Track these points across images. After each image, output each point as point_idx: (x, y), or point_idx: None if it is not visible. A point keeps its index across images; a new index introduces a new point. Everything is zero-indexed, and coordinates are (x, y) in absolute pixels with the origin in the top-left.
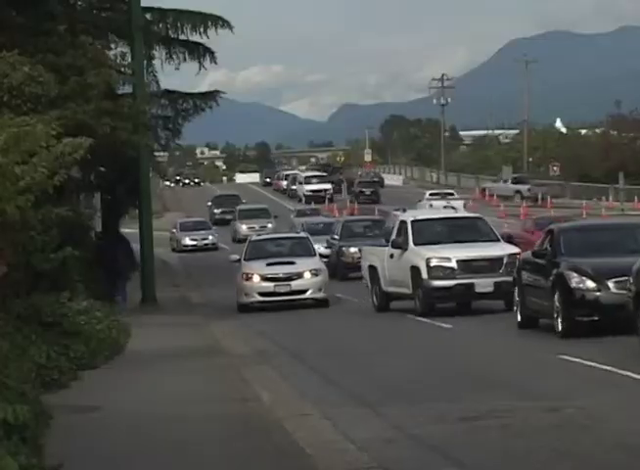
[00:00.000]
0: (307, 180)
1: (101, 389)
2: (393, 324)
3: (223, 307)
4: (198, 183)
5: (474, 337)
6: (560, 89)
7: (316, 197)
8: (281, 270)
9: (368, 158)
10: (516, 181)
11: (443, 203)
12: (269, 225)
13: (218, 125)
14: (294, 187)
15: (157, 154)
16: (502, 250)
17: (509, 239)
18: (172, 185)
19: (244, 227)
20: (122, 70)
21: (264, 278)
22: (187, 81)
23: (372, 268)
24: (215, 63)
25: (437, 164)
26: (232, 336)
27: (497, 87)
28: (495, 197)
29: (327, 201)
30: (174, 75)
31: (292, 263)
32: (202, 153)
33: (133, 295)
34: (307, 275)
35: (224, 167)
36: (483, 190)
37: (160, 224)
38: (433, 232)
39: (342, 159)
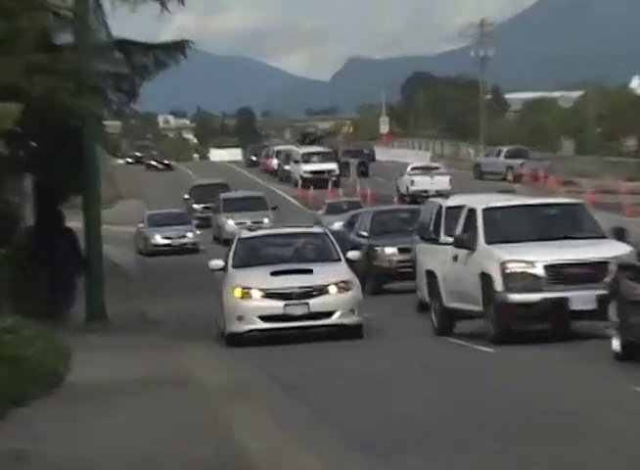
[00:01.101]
0: (306, 158)
1: (29, 432)
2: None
3: (194, 326)
4: (167, 165)
5: (551, 374)
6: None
7: (317, 180)
8: (294, 282)
9: (384, 128)
10: (510, 155)
11: (428, 179)
12: (265, 220)
13: (188, 86)
14: (287, 167)
15: (106, 123)
16: (609, 250)
17: None
18: (127, 163)
19: (230, 223)
20: (61, 12)
21: (269, 294)
22: (146, 28)
23: (430, 275)
24: (183, 3)
25: (476, 136)
26: (206, 362)
27: (552, 36)
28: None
29: (330, 185)
30: (130, 20)
31: (308, 272)
32: (166, 122)
33: (76, 308)
34: (333, 290)
35: (195, 141)
36: (509, 169)
37: (111, 216)
38: (512, 225)
39: (350, 130)
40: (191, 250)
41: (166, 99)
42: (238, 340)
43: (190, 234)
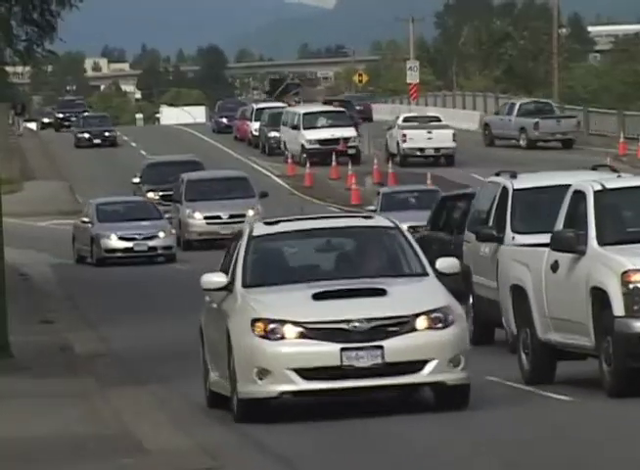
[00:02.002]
0: (309, 121)
1: None
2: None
3: (137, 361)
4: (113, 141)
5: None
6: None
7: (327, 152)
8: (356, 311)
9: (412, 77)
10: (525, 112)
11: (424, 133)
12: (250, 213)
13: (126, 17)
14: (273, 134)
15: (9, 69)
16: None
17: None
18: (41, 126)
19: (197, 217)
20: None
21: (312, 332)
22: None
23: (518, 292)
24: None
25: (548, 88)
26: (153, 416)
27: None
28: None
29: (333, 158)
30: None
31: (379, 293)
32: (96, 67)
33: None
34: (422, 324)
35: (138, 96)
36: (521, 131)
37: (16, 204)
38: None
39: (363, 79)
40: (164, 257)
41: (97, 35)
42: (259, 410)
43: (162, 234)
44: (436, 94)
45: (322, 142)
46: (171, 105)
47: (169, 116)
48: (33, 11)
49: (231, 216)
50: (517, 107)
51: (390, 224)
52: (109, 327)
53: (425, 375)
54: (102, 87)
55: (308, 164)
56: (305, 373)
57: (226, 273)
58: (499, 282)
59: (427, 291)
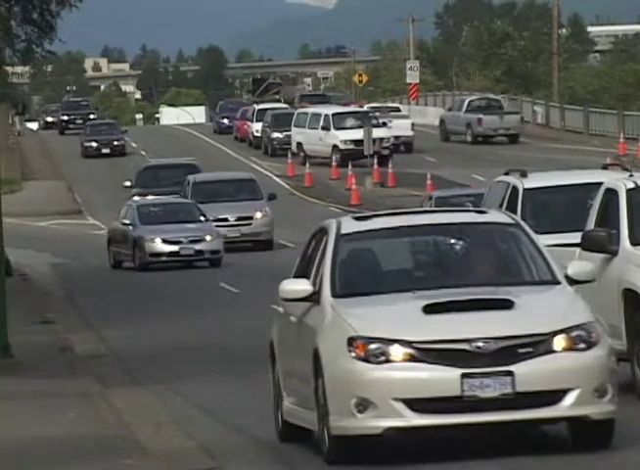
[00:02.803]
0: (338, 121)
1: None
2: None
3: (137, 361)
4: (122, 150)
5: None
6: None
7: (356, 154)
8: (479, 328)
9: (413, 77)
10: (474, 108)
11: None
12: (258, 215)
13: (126, 17)
14: (278, 135)
15: (9, 69)
16: None
17: None
18: (45, 125)
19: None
20: None
21: (425, 354)
22: None
23: (632, 298)
24: None
25: (548, 88)
26: (154, 417)
27: None
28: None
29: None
30: None
31: (505, 306)
32: (95, 67)
33: None
34: (560, 344)
35: (138, 96)
36: (468, 126)
37: (16, 204)
38: None
39: (363, 79)
40: (209, 262)
41: (98, 35)
42: (357, 450)
43: (209, 237)
44: (436, 94)
45: (357, 142)
46: (171, 105)
47: (169, 116)
48: (33, 11)
49: (238, 219)
50: (466, 103)
51: (510, 220)
52: (109, 327)
53: (565, 408)
54: (102, 87)
55: (308, 165)
56: (417, 405)
57: (312, 280)
58: (598, 286)
59: (562, 303)
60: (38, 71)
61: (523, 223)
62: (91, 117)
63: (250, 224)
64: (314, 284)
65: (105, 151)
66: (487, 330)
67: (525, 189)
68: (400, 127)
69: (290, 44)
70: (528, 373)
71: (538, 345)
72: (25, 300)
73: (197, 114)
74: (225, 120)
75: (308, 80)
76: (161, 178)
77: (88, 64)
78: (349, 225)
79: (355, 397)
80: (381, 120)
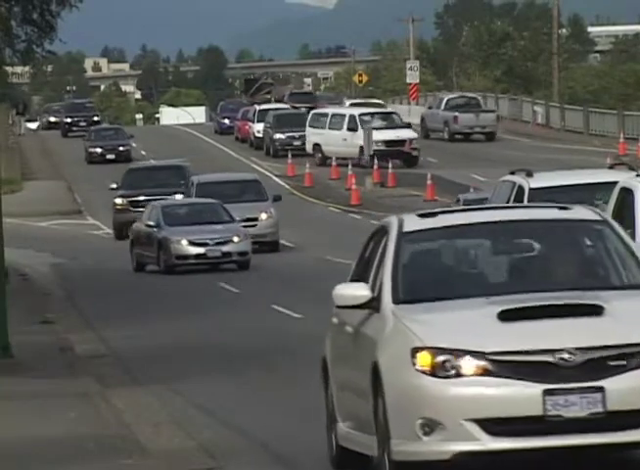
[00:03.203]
0: (367, 120)
1: None
2: None
3: (137, 361)
4: (128, 156)
5: None
6: None
7: (392, 153)
8: (562, 337)
9: (413, 77)
10: (452, 106)
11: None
12: (263, 216)
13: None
14: (280, 136)
15: (9, 69)
16: None
17: None
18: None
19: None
20: None
21: (501, 367)
22: None
23: None
24: None
25: (548, 88)
26: (154, 417)
27: None
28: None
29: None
30: None
31: (593, 312)
32: (95, 67)
33: None
34: None
35: (138, 96)
36: (445, 124)
37: (15, 204)
38: None
39: (363, 79)
40: (237, 265)
41: (98, 35)
42: None
43: (236, 238)
44: (436, 94)
45: (388, 143)
46: (171, 105)
47: (169, 116)
48: (33, 11)
49: (243, 220)
50: (444, 101)
51: (597, 217)
52: (109, 327)
53: None
54: (102, 87)
55: (308, 165)
56: (492, 426)
57: (371, 285)
58: None
59: None
60: (38, 72)
61: (612, 221)
62: (95, 119)
63: (255, 226)
64: (373, 289)
65: (110, 157)
66: (574, 339)
67: (531, 189)
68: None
69: (290, 44)
70: (622, 389)
71: (633, 357)
72: (25, 300)
73: (197, 114)
74: (226, 121)
75: (308, 80)
76: (148, 180)
77: (88, 64)
78: (413, 223)
79: (421, 417)
80: (405, 121)
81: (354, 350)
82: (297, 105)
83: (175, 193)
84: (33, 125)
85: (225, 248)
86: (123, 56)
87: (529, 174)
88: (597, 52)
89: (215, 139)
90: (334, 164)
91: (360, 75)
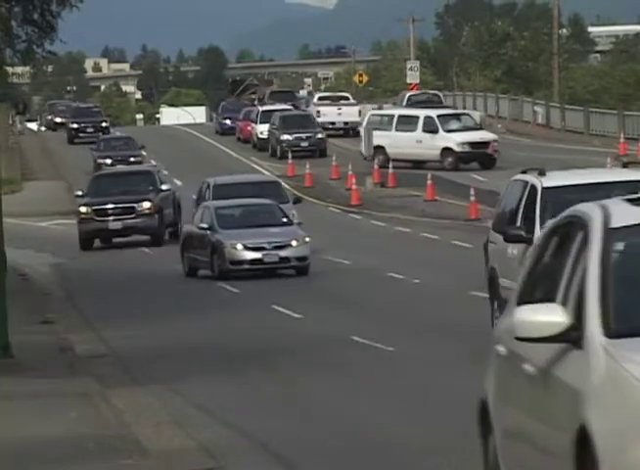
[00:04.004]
0: (443, 122)
1: None
2: None
3: (137, 361)
4: (136, 158)
5: None
6: None
7: (478, 155)
8: None
9: (413, 77)
10: (415, 102)
11: (335, 109)
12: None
13: (127, 17)
14: (287, 137)
15: (9, 69)
16: None
17: None
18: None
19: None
20: None
21: None
22: None
23: None
24: None
25: (548, 88)
26: (154, 417)
27: None
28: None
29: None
30: None
31: None
32: (96, 68)
33: None
34: None
35: (139, 96)
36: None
37: (15, 205)
38: None
39: (364, 79)
40: (295, 270)
41: (99, 35)
42: None
43: (295, 242)
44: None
45: (474, 145)
46: (171, 105)
47: (169, 116)
48: (34, 11)
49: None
50: (406, 97)
51: None
52: (109, 327)
53: None
54: (102, 88)
55: (308, 165)
56: None
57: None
58: None
59: None
60: (39, 72)
61: None
62: (103, 124)
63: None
64: (574, 314)
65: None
66: None
67: (543, 188)
68: (349, 114)
69: (290, 44)
70: None
71: None
72: (26, 300)
73: (197, 114)
74: (227, 121)
75: (309, 80)
76: (115, 187)
77: (88, 64)
78: (624, 213)
79: None
80: (453, 125)
81: (541, 399)
82: (277, 103)
83: (143, 200)
84: (34, 126)
85: (283, 252)
86: (124, 56)
87: (542, 173)
88: (597, 52)
89: (216, 140)
90: (334, 163)
91: (360, 75)
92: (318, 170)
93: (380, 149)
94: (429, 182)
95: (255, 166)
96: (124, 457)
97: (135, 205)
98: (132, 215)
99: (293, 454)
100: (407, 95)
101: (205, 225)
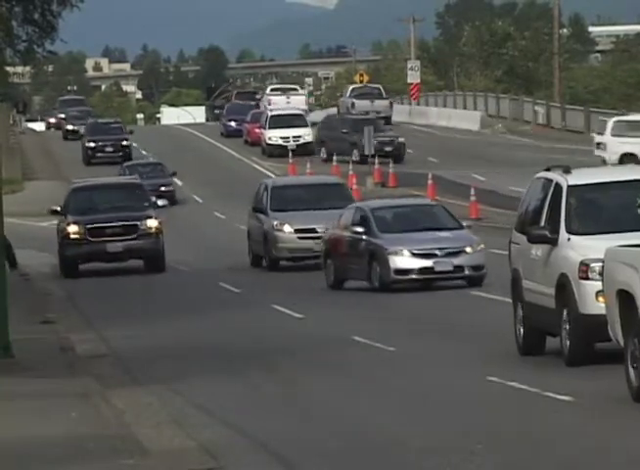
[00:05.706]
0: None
1: None
2: None
3: (137, 361)
4: (169, 197)
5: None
6: None
7: None
8: None
9: (413, 77)
10: (357, 95)
11: (284, 99)
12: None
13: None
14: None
15: (10, 69)
16: None
17: None
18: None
19: (287, 230)
20: None
21: None
22: None
23: (625, 298)
24: None
25: (549, 88)
26: (154, 417)
27: None
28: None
29: None
30: None
31: None
32: (96, 67)
33: None
34: None
35: (139, 96)
36: None
37: (17, 204)
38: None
39: (364, 79)
40: (466, 281)
41: (99, 35)
42: None
43: (469, 249)
44: (437, 94)
45: None
46: (172, 105)
47: (170, 116)
48: (34, 11)
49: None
50: (349, 90)
51: None
52: (109, 327)
53: None
54: (103, 87)
55: (309, 165)
56: None
57: None
58: (604, 287)
59: None
60: (39, 72)
61: None
62: (124, 143)
63: None
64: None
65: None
66: None
67: (569, 186)
68: (297, 102)
69: (290, 44)
70: None
71: None
72: (26, 300)
73: (197, 114)
74: (232, 123)
75: (309, 80)
76: (97, 202)
77: (89, 64)
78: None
79: None
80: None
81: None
82: (242, 101)
83: (146, 218)
84: (34, 126)
85: (457, 260)
86: (124, 56)
87: (567, 171)
88: (598, 52)
89: (222, 142)
90: (334, 163)
91: (361, 75)
92: (319, 170)
93: (630, 156)
94: (429, 182)
95: (256, 166)
96: (124, 457)
97: (138, 223)
98: (133, 236)
99: (293, 454)
100: (351, 87)
101: (359, 229)
